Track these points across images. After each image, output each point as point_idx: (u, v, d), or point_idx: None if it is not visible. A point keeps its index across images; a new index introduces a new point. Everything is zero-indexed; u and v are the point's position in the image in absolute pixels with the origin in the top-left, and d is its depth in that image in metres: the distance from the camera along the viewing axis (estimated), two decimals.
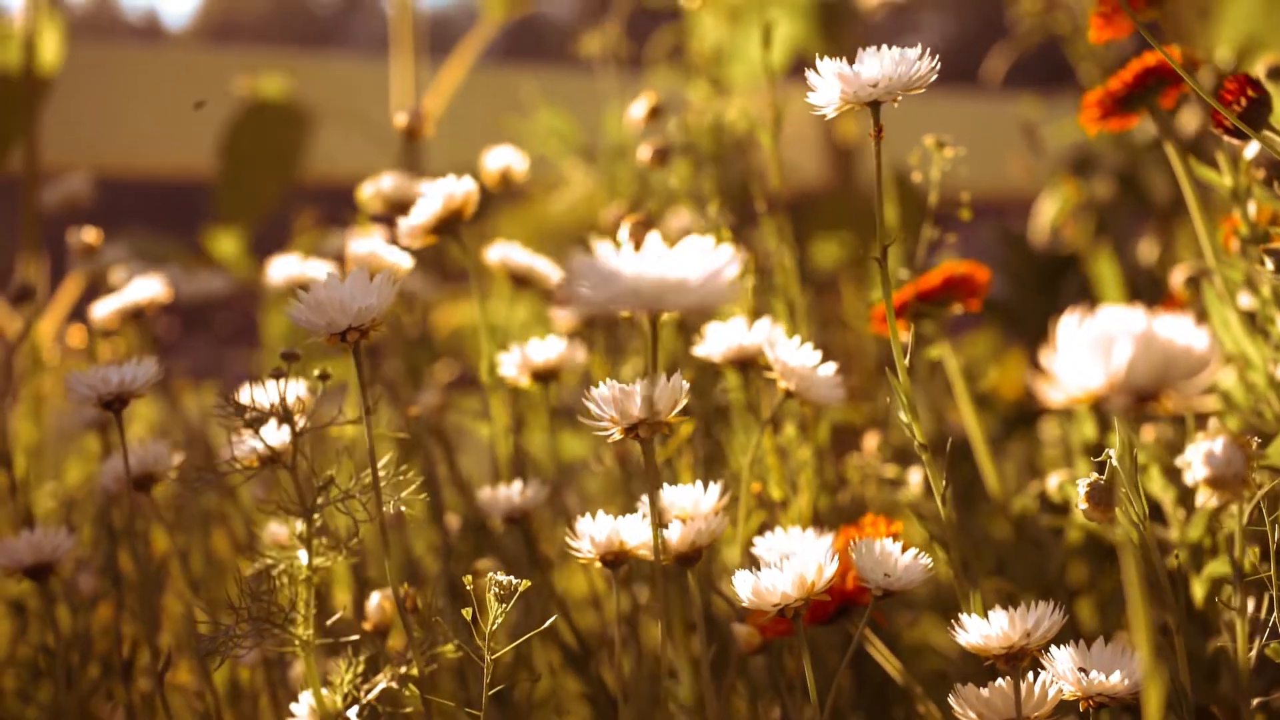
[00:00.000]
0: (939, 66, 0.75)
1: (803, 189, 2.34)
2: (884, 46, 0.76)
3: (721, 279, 0.59)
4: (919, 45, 0.76)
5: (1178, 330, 0.49)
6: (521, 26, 2.22)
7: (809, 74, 0.75)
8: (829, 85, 0.75)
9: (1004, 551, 1.13)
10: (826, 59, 0.75)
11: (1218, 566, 0.93)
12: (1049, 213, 1.79)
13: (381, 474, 0.79)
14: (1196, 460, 0.62)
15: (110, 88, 2.33)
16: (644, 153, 1.17)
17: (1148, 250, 1.65)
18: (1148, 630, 0.53)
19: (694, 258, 0.59)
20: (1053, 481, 1.05)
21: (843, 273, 2.15)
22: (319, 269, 1.26)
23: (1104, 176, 1.74)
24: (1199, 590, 0.94)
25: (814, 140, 2.40)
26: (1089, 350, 0.48)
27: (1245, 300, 0.98)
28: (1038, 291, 1.72)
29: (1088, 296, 1.63)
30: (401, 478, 0.81)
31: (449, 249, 1.78)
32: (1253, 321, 0.98)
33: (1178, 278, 1.18)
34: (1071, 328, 0.49)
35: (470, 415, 1.35)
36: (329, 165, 2.36)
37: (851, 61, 0.75)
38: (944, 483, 0.79)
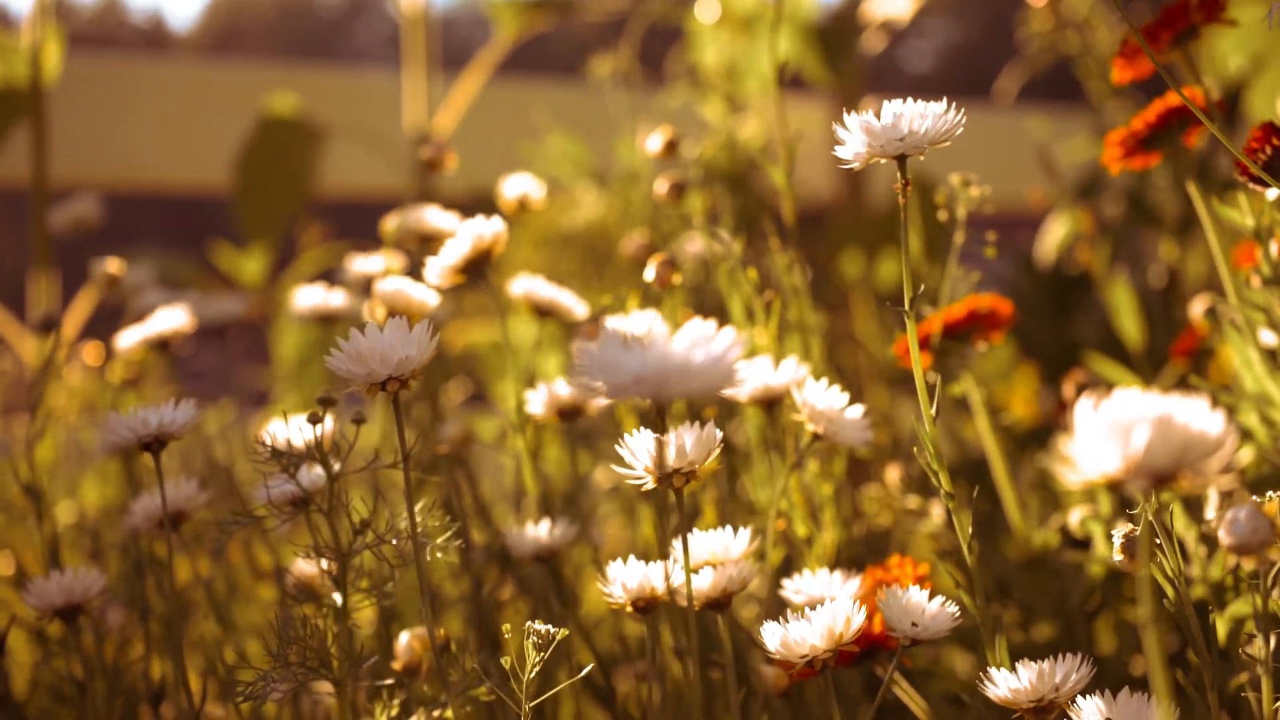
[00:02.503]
0: (964, 120, 0.75)
1: (813, 205, 2.35)
2: (909, 100, 0.76)
3: (725, 364, 0.60)
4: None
5: (1194, 414, 0.49)
6: (532, 38, 2.22)
7: (837, 128, 0.76)
8: (856, 138, 0.76)
9: (1023, 581, 1.14)
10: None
11: (1240, 606, 0.93)
12: (1058, 234, 1.80)
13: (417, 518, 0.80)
14: (1220, 528, 0.63)
15: (119, 101, 2.33)
16: (660, 187, 1.17)
17: (1159, 273, 1.66)
18: (1169, 700, 0.54)
19: (697, 343, 0.60)
20: (1074, 517, 1.06)
21: (854, 289, 2.16)
22: (341, 298, 1.27)
23: (1113, 196, 1.75)
24: (1222, 628, 0.95)
25: (823, 156, 2.41)
26: (1106, 435, 0.49)
27: (1267, 337, 0.99)
28: (1048, 312, 1.73)
29: (1100, 319, 1.63)
30: (434, 520, 0.82)
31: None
32: (1274, 359, 0.98)
33: (1197, 309, 1.19)
34: (1088, 412, 0.50)
35: (490, 444, 1.35)
36: (339, 178, 2.37)
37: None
38: (969, 531, 0.80)
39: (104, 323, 1.59)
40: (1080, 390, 1.22)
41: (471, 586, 1.10)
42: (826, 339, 1.70)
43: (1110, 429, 0.48)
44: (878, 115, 0.75)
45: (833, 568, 0.97)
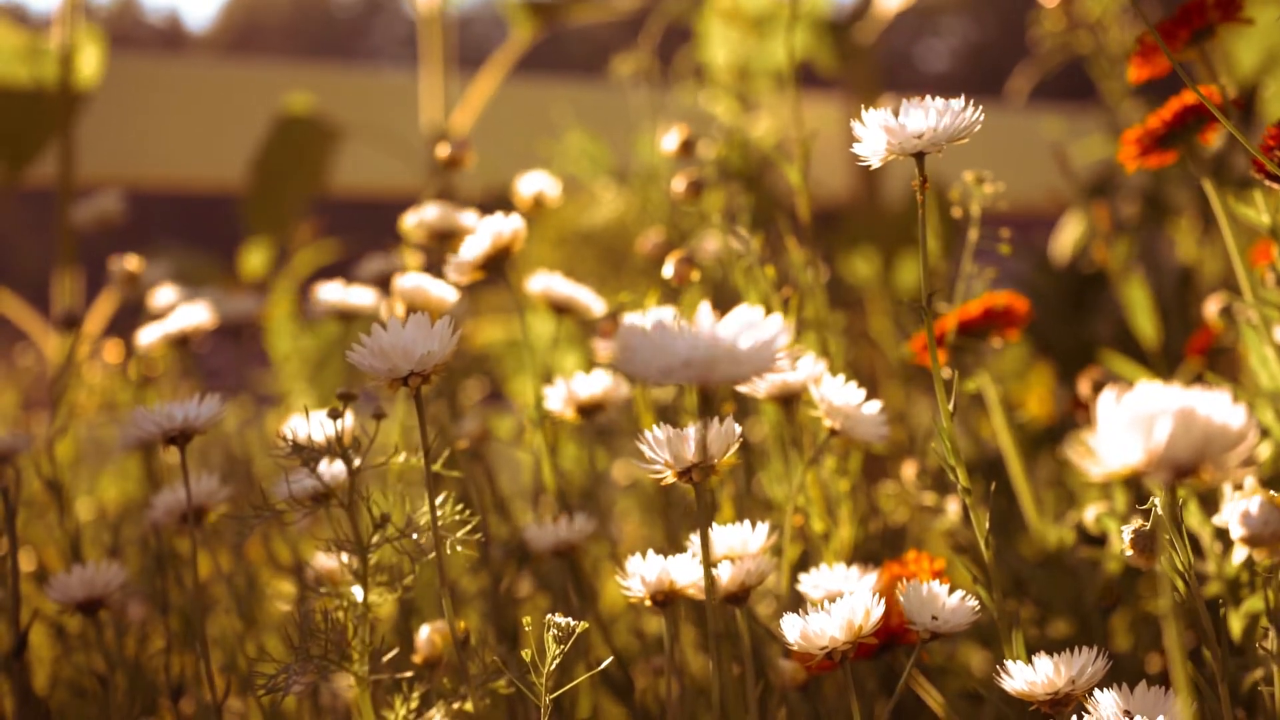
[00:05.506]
0: (982, 117, 0.75)
1: (829, 203, 2.35)
2: (927, 98, 0.76)
3: (771, 349, 0.60)
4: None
5: (1216, 407, 0.50)
6: (549, 37, 2.23)
7: (855, 126, 0.76)
8: (875, 136, 0.76)
9: (1039, 578, 1.14)
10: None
11: (1255, 602, 0.94)
12: (1073, 233, 1.80)
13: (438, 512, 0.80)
14: (1233, 520, 0.64)
15: (141, 100, 2.35)
16: (678, 185, 1.18)
17: (1175, 271, 1.66)
18: (1188, 690, 0.54)
19: (744, 328, 0.61)
20: (1090, 514, 1.06)
21: (869, 288, 2.16)
22: (364, 296, 1.28)
23: (1128, 195, 1.75)
24: (1236, 624, 0.95)
25: (839, 154, 2.42)
26: (1129, 427, 0.49)
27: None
28: (1064, 311, 1.73)
29: (1116, 318, 1.64)
30: (454, 514, 0.82)
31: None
32: None
33: (1212, 308, 1.19)
34: (1111, 405, 0.50)
35: (508, 441, 1.36)
36: (356, 177, 2.38)
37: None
38: (986, 527, 0.80)
39: (127, 320, 1.60)
40: (1096, 388, 1.22)
41: (490, 582, 1.10)
42: (843, 336, 1.70)
43: (1133, 421, 0.49)
44: (895, 113, 0.76)
45: (849, 563, 0.97)
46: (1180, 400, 0.49)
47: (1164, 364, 1.49)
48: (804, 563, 1.05)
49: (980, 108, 0.75)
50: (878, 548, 1.13)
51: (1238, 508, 0.63)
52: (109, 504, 1.68)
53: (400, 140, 2.11)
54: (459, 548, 0.82)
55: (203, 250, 2.30)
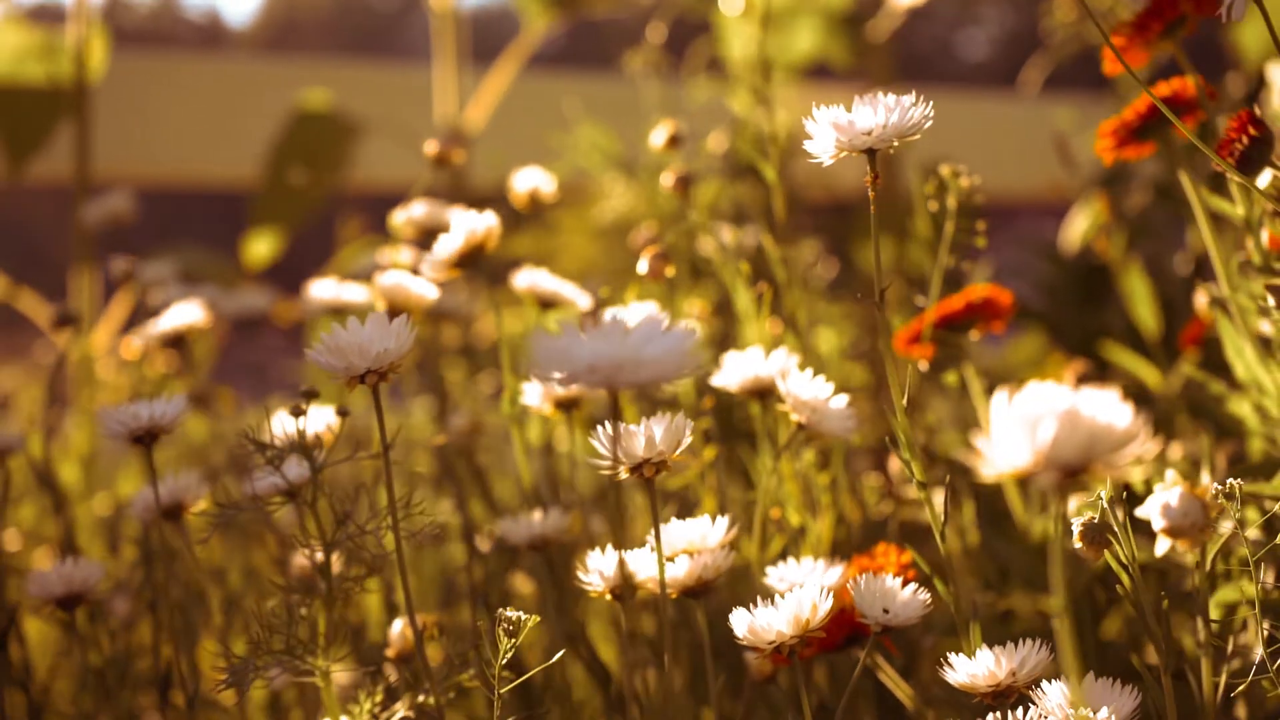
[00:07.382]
0: (932, 114, 0.76)
1: (845, 195, 2.35)
2: (886, 96, 0.77)
3: (677, 354, 0.61)
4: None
5: (1101, 408, 0.50)
6: (574, 30, 2.24)
7: (805, 124, 0.77)
8: (824, 133, 0.76)
9: (1030, 570, 1.14)
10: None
11: (1228, 593, 0.93)
12: (1081, 225, 1.80)
13: (400, 509, 0.81)
14: (1154, 512, 0.64)
15: (164, 97, 2.37)
16: (667, 180, 1.19)
17: (1183, 260, 1.65)
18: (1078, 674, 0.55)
19: (651, 333, 0.61)
20: (1071, 504, 1.06)
21: (885, 278, 2.15)
22: (356, 292, 1.29)
23: (1141, 185, 1.74)
24: (1214, 614, 0.95)
25: None
26: (1016, 429, 0.50)
27: (1264, 326, 0.99)
28: (1073, 302, 1.72)
29: (1123, 309, 1.63)
30: (420, 511, 0.83)
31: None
32: (1268, 347, 0.98)
33: (1201, 299, 1.19)
34: (1002, 406, 0.51)
35: (503, 436, 1.37)
36: (375, 172, 2.39)
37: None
38: (944, 519, 0.81)
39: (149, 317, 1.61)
40: (1081, 380, 1.22)
41: (468, 576, 1.11)
42: (855, 327, 1.70)
43: (1020, 423, 0.49)
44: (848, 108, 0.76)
45: (829, 557, 0.97)
46: (1065, 401, 0.49)
47: (1166, 354, 1.49)
48: (786, 557, 1.05)
49: (930, 104, 0.76)
50: (860, 541, 1.13)
51: (1158, 500, 0.64)
52: (126, 500, 1.70)
53: (420, 136, 2.12)
54: (424, 544, 0.83)
55: (225, 247, 2.32)
